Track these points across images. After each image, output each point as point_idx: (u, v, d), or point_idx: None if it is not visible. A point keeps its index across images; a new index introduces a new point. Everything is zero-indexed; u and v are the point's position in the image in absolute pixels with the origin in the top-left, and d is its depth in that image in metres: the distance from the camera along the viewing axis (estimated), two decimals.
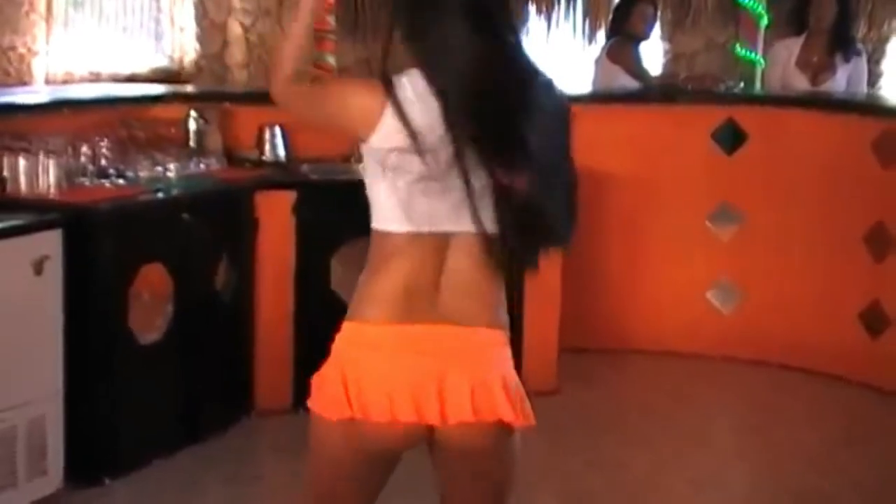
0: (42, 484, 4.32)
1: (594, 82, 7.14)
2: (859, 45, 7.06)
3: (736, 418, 5.83)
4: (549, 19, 8.37)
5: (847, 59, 6.79)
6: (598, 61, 7.20)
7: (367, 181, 2.57)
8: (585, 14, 8.31)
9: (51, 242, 4.29)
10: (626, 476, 4.88)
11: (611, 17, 7.50)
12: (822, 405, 5.84)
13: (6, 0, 7.07)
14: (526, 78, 2.52)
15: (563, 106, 2.63)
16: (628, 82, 6.93)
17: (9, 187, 4.53)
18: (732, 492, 4.94)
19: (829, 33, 6.77)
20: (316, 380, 2.58)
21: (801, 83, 6.80)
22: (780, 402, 5.88)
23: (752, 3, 7.27)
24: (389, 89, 2.46)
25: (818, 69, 6.80)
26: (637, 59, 7.12)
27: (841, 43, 6.80)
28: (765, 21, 7.28)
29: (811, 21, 6.78)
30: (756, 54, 7.28)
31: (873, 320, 5.94)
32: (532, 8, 8.32)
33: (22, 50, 7.20)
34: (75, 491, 4.44)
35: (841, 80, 6.78)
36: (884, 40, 7.84)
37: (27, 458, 4.23)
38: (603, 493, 4.65)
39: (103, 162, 4.92)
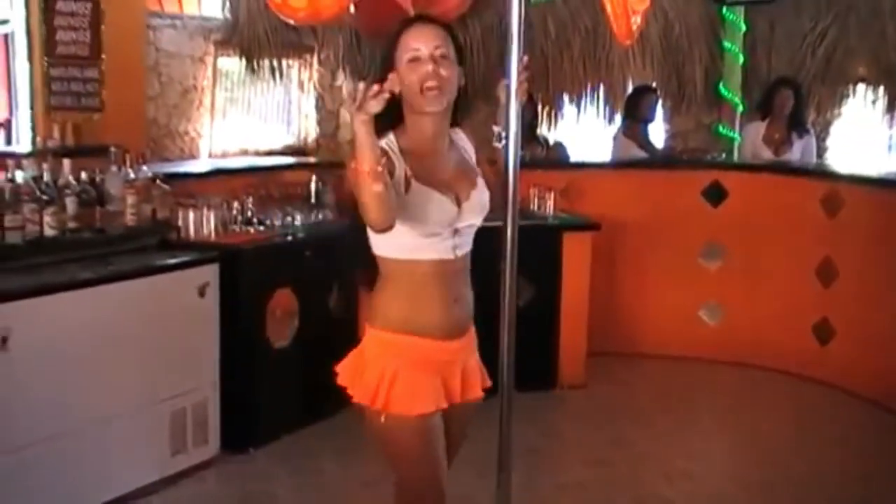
0: (204, 451, 4.39)
1: (613, 153, 7.13)
2: (809, 127, 7.01)
3: (719, 405, 5.75)
4: (578, 105, 8.36)
5: (800, 137, 6.75)
6: (615, 138, 7.18)
7: None
8: (606, 102, 8.29)
9: (211, 273, 4.37)
10: (636, 449, 4.85)
11: (624, 104, 7.49)
12: (782, 396, 5.78)
13: (182, 98, 7.25)
14: None
15: None
16: (638, 153, 6.93)
17: (182, 232, 4.60)
18: (718, 461, 4.91)
19: (787, 118, 6.75)
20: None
21: (766, 154, 6.76)
22: (752, 393, 5.83)
23: (730, 95, 7.25)
24: None
25: (779, 144, 6.75)
26: (645, 136, 7.11)
27: (796, 125, 6.76)
28: (740, 108, 7.25)
29: (774, 109, 6.76)
30: (734, 132, 7.25)
31: (822, 332, 5.87)
32: (566, 96, 8.33)
33: (192, 134, 7.38)
34: (228, 456, 4.50)
35: (796, 153, 6.73)
36: (828, 123, 7.77)
37: (193, 431, 4.31)
38: (618, 463, 4.64)
39: (248, 213, 4.94)
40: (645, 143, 7.03)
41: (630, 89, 7.83)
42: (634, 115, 7.10)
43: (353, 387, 2.68)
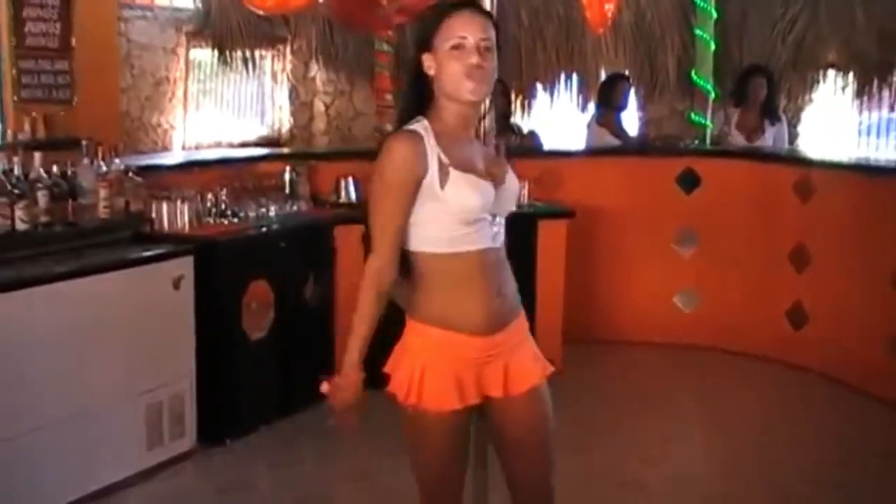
0: (181, 443, 4.38)
1: (586, 141, 7.14)
2: (781, 114, 7.04)
3: (695, 391, 5.79)
4: (551, 94, 8.37)
5: (772, 124, 6.80)
6: (589, 125, 7.19)
7: None
8: (579, 89, 8.30)
9: (185, 265, 4.35)
10: (614, 436, 4.88)
11: (597, 92, 7.49)
12: (758, 381, 5.83)
13: (154, 90, 7.20)
14: None
15: None
16: (612, 141, 6.94)
17: (156, 225, 4.58)
18: (696, 446, 4.95)
19: (760, 106, 6.79)
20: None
21: (740, 141, 6.81)
22: (727, 378, 5.87)
23: (703, 81, 7.27)
24: None
25: (752, 131, 6.80)
26: (618, 124, 7.12)
27: (768, 113, 6.81)
28: (713, 95, 7.28)
29: (748, 98, 6.80)
30: (706, 119, 7.27)
31: (796, 316, 5.91)
32: (539, 85, 8.32)
33: (165, 126, 7.33)
34: (205, 448, 4.49)
35: (769, 139, 6.77)
36: (800, 110, 7.81)
37: (170, 424, 4.30)
38: (595, 449, 4.65)
39: (223, 206, 4.94)
40: (618, 131, 7.05)
41: (603, 77, 7.83)
42: (608, 103, 7.11)
43: (392, 376, 2.60)
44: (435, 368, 2.51)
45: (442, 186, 2.40)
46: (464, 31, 2.44)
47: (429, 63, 2.46)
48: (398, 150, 2.40)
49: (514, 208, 2.60)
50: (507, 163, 2.61)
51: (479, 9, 2.54)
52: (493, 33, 2.47)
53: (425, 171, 2.40)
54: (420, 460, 2.62)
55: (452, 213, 2.41)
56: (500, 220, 2.55)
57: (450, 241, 2.45)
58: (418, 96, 2.49)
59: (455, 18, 2.45)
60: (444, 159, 2.41)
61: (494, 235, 2.51)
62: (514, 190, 2.60)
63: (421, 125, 2.44)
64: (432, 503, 2.65)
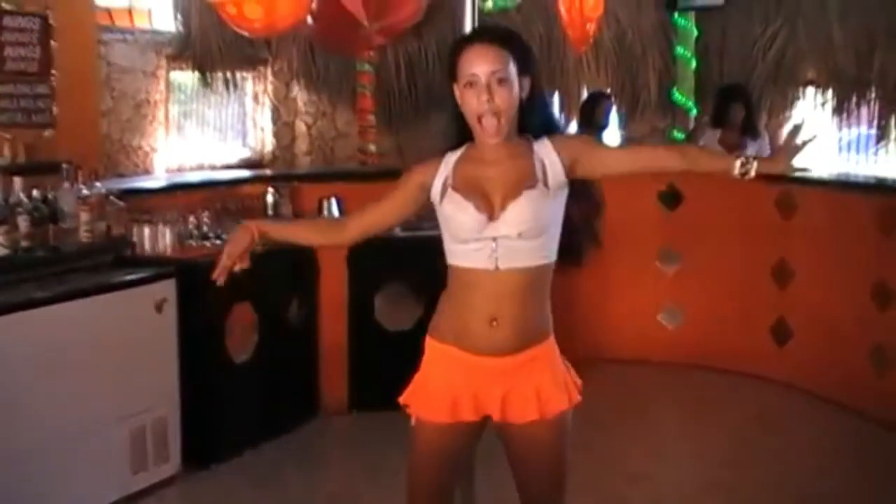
0: (165, 468, 4.35)
1: None
2: (762, 131, 7.08)
3: (679, 408, 5.80)
4: None
5: (754, 140, 6.84)
6: None
7: None
8: (561, 108, 8.33)
9: (168, 288, 4.33)
10: (597, 453, 4.86)
11: (579, 111, 7.53)
12: (742, 397, 5.83)
13: (135, 112, 7.19)
14: None
15: None
16: None
17: (137, 249, 4.57)
18: (679, 463, 4.95)
19: (739, 127, 6.83)
20: None
21: None
22: (711, 395, 5.87)
23: (684, 99, 7.32)
24: None
25: (733, 148, 6.81)
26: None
27: (748, 130, 6.85)
28: (693, 112, 7.33)
29: (727, 122, 6.82)
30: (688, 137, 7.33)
31: (780, 332, 5.94)
32: None
33: (146, 148, 7.31)
34: (190, 473, 4.46)
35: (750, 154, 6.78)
36: (779, 126, 7.87)
37: (154, 449, 4.27)
38: (579, 466, 4.61)
39: (205, 228, 4.93)
40: None
41: (584, 96, 7.88)
42: (589, 122, 7.14)
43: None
44: (435, 380, 2.60)
45: (441, 201, 2.54)
46: (474, 67, 2.47)
47: (457, 93, 2.53)
48: (419, 163, 2.64)
49: (515, 234, 2.48)
50: (532, 189, 2.48)
51: (491, 38, 2.51)
52: (507, 60, 2.47)
53: (431, 182, 2.56)
54: (410, 465, 2.68)
55: (447, 228, 2.54)
56: (510, 245, 2.48)
57: (451, 254, 2.56)
58: (459, 128, 2.57)
59: (466, 54, 2.49)
60: (450, 179, 2.54)
61: (496, 258, 2.48)
62: (520, 219, 2.47)
63: (448, 154, 2.59)
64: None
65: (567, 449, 2.70)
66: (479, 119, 2.47)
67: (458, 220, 2.49)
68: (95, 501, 4.00)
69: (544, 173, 2.50)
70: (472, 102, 2.47)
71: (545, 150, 2.53)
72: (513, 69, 2.47)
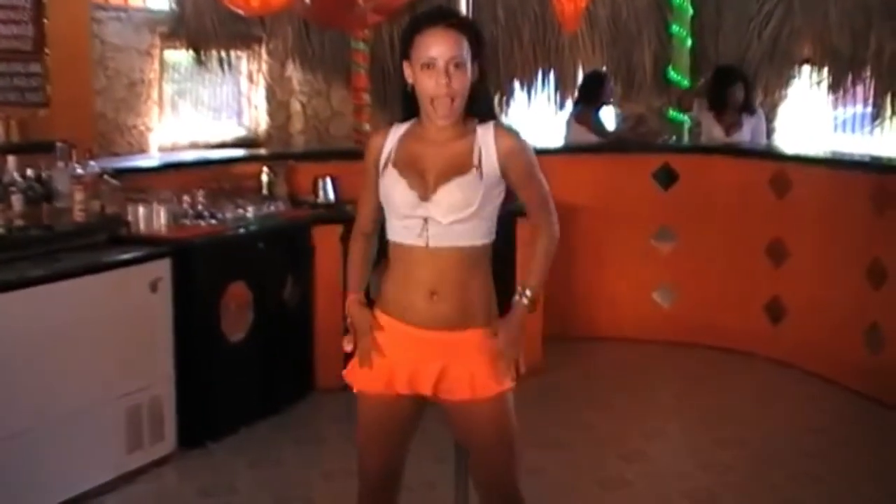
0: (161, 447, 4.36)
1: (565, 138, 7.13)
2: (757, 107, 7.05)
3: (675, 386, 5.82)
4: (529, 91, 8.37)
5: (751, 115, 6.81)
6: (568, 123, 7.19)
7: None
8: (556, 87, 8.30)
9: (162, 268, 4.33)
10: (595, 432, 4.90)
11: (579, 89, 7.49)
12: (736, 375, 5.85)
13: (129, 91, 7.16)
14: None
15: None
16: (591, 138, 6.93)
17: (132, 228, 4.56)
18: (676, 441, 4.97)
19: (738, 106, 6.80)
20: None
21: (719, 134, 6.79)
22: (706, 373, 5.88)
23: (679, 78, 7.30)
24: None
25: (730, 125, 6.81)
26: (597, 121, 7.11)
27: (745, 109, 6.82)
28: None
29: (726, 103, 6.79)
30: (683, 115, 7.30)
31: (774, 311, 5.95)
32: (517, 83, 8.32)
33: (141, 127, 7.29)
34: (185, 452, 4.47)
35: (746, 132, 6.78)
36: (776, 105, 7.85)
37: (150, 427, 4.27)
38: (577, 446, 4.66)
39: (200, 207, 4.92)
40: (598, 128, 7.03)
41: (581, 74, 7.85)
42: (587, 100, 7.10)
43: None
44: (375, 351, 2.67)
45: (382, 174, 2.62)
46: (434, 50, 2.50)
47: (408, 72, 2.57)
48: (369, 139, 2.72)
49: (446, 220, 2.53)
50: (466, 174, 2.53)
51: (453, 23, 2.54)
52: (465, 46, 2.51)
53: (379, 158, 2.63)
54: (356, 439, 2.78)
55: (384, 202, 2.62)
56: (442, 225, 2.53)
57: (392, 230, 2.63)
58: (406, 107, 2.63)
59: (427, 35, 2.51)
60: (392, 155, 2.61)
61: (427, 237, 2.55)
62: (451, 202, 2.53)
63: (394, 127, 2.65)
64: (360, 480, 2.79)
65: (511, 426, 2.70)
66: (433, 101, 2.51)
67: (392, 195, 2.58)
68: (91, 480, 4.01)
69: (480, 160, 2.56)
70: (428, 84, 2.51)
71: (487, 137, 2.58)
72: (468, 54, 2.52)
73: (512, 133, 2.61)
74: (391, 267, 2.67)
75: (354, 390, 2.73)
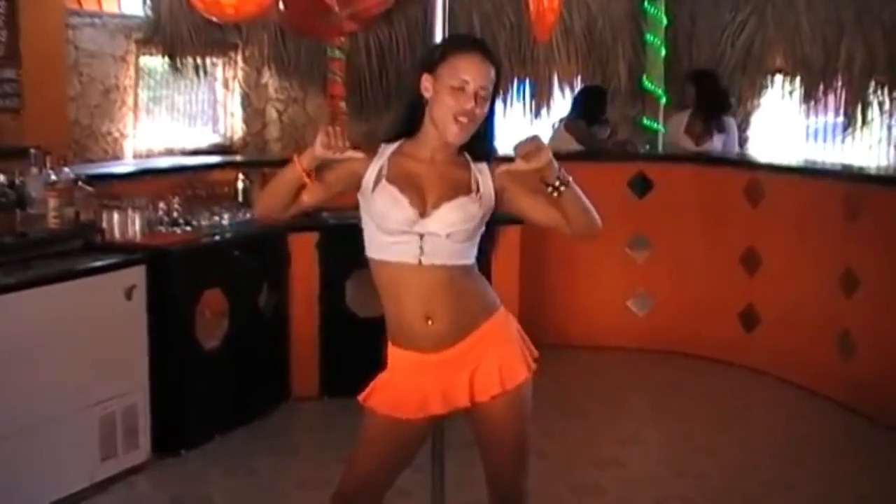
0: (135, 455, 4.33)
1: (549, 142, 7.12)
2: (730, 118, 7.07)
3: (649, 394, 5.83)
4: (504, 101, 8.36)
5: (720, 131, 6.85)
6: (556, 129, 7.14)
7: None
8: (532, 97, 8.32)
9: (137, 275, 4.30)
10: (568, 440, 4.90)
11: (575, 100, 7.43)
12: (711, 383, 5.87)
13: (104, 98, 7.11)
14: None
15: None
16: (574, 147, 6.88)
17: (106, 235, 4.53)
18: (650, 449, 4.97)
19: (703, 107, 6.84)
20: None
21: (688, 145, 6.85)
22: (681, 381, 5.91)
23: (654, 87, 7.34)
24: None
25: (700, 136, 6.85)
26: (590, 135, 7.03)
27: (712, 107, 6.86)
28: (663, 100, 7.35)
29: (695, 101, 6.84)
30: (658, 124, 7.34)
31: (748, 319, 6.00)
32: None
33: (116, 134, 7.24)
34: (160, 460, 4.44)
35: (717, 144, 6.82)
36: (749, 114, 7.91)
37: (123, 436, 4.24)
38: (550, 454, 4.66)
39: (175, 214, 4.91)
40: (584, 139, 6.98)
41: (579, 86, 7.89)
42: (586, 114, 7.05)
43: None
44: (398, 381, 2.64)
45: (373, 190, 2.56)
46: (469, 75, 2.53)
47: (426, 85, 2.57)
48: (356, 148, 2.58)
49: (443, 234, 2.55)
50: (466, 197, 2.58)
51: (489, 55, 2.58)
52: (492, 83, 2.56)
53: (364, 171, 2.58)
54: (355, 451, 2.72)
55: (376, 219, 2.56)
56: (437, 243, 2.55)
57: (377, 247, 2.59)
58: (410, 118, 2.62)
59: (464, 59, 2.54)
60: (385, 170, 2.57)
61: (421, 254, 2.55)
62: (450, 221, 2.55)
63: (384, 145, 2.62)
64: (345, 494, 2.71)
65: (528, 426, 2.74)
66: (455, 117, 2.52)
67: (389, 212, 2.53)
68: (64, 489, 3.97)
69: (479, 187, 2.61)
70: (453, 101, 2.52)
71: (483, 173, 2.63)
72: (491, 91, 2.57)
73: (504, 163, 2.64)
74: (382, 295, 2.64)
75: (372, 409, 2.66)
